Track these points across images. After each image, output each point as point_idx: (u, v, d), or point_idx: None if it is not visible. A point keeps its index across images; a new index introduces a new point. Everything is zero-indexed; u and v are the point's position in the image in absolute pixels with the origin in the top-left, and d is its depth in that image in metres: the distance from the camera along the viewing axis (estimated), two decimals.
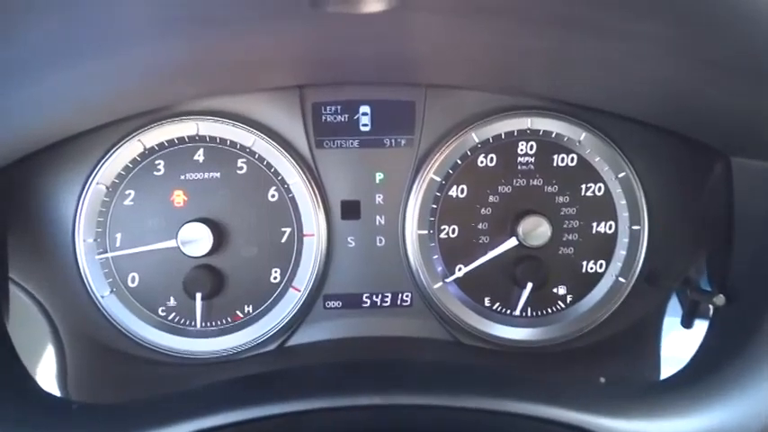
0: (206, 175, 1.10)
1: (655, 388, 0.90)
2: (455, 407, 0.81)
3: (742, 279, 0.97)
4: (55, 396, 0.90)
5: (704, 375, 0.87)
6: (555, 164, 1.13)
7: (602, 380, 0.98)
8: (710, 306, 0.96)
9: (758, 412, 0.80)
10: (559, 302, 1.15)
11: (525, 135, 1.12)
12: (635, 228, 1.13)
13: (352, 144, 1.13)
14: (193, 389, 0.88)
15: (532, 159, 1.12)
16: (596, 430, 0.79)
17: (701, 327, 1.03)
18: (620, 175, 1.12)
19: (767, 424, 0.78)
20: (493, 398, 0.81)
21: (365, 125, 1.13)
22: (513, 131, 1.11)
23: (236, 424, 0.78)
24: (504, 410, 0.80)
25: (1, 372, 0.88)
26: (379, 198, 1.14)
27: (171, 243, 1.06)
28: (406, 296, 1.16)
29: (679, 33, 0.71)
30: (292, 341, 1.15)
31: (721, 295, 0.92)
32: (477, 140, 1.11)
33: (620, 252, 1.13)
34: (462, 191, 1.13)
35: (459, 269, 1.13)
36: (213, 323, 1.12)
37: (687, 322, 1.02)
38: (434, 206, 1.13)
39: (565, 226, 1.13)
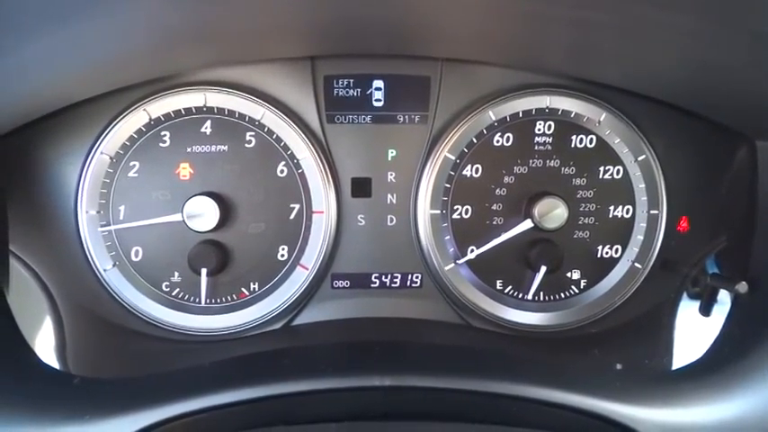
0: (213, 148, 1.07)
1: (674, 375, 0.87)
2: (465, 390, 0.79)
3: (764, 266, 0.95)
4: (55, 369, 0.88)
5: (725, 364, 0.85)
6: (573, 145, 1.09)
7: (619, 366, 0.95)
8: (730, 294, 0.93)
9: None
10: (573, 287, 1.13)
11: (543, 114, 1.08)
12: (653, 212, 1.10)
13: (364, 119, 1.10)
14: (196, 366, 0.86)
15: (550, 140, 1.09)
16: (612, 416, 0.77)
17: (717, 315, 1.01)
18: (640, 158, 1.09)
19: None
20: (506, 382, 0.79)
21: (378, 100, 1.09)
22: (532, 110, 1.08)
23: (239, 403, 0.76)
24: (517, 395, 0.78)
25: (1, 343, 0.86)
26: (390, 176, 1.11)
27: (176, 217, 1.04)
28: (416, 277, 1.13)
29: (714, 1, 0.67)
30: (299, 320, 1.12)
31: (744, 282, 0.90)
32: (493, 118, 1.08)
33: (637, 237, 1.11)
34: (477, 170, 1.10)
35: (472, 251, 1.11)
36: (218, 300, 1.10)
37: (705, 310, 1.00)
38: (448, 185, 1.10)
39: (581, 209, 1.10)
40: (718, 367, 0.84)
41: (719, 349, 0.88)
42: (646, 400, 0.77)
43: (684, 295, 1.14)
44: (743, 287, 0.89)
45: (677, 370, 0.88)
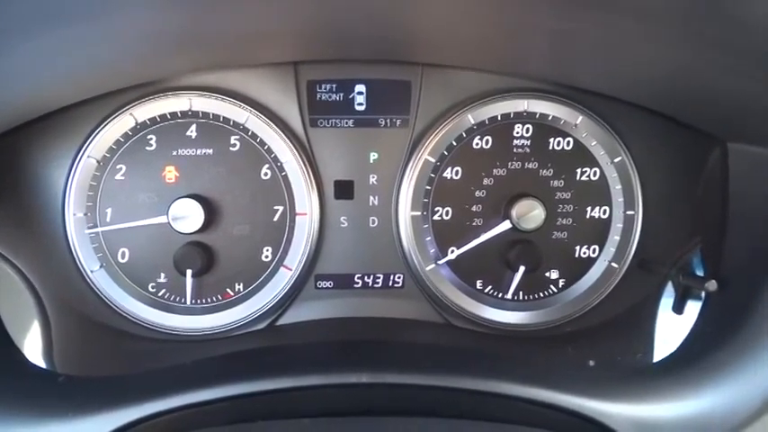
0: (198, 152, 1.09)
1: (645, 371, 0.90)
2: (444, 387, 0.81)
3: (735, 265, 0.97)
4: (41, 368, 0.90)
5: (695, 360, 0.87)
6: (551, 147, 1.12)
7: (591, 363, 0.98)
8: (703, 292, 0.96)
9: (748, 396, 0.80)
10: (552, 287, 1.16)
11: (522, 117, 1.11)
12: (629, 213, 1.13)
13: (346, 123, 1.12)
14: (181, 364, 0.88)
15: (528, 142, 1.12)
16: (585, 412, 0.79)
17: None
18: (616, 160, 1.12)
19: (755, 407, 0.79)
20: (483, 379, 0.81)
21: (360, 104, 1.12)
22: (510, 113, 1.11)
23: (222, 400, 0.78)
24: (495, 392, 0.80)
25: None
26: (372, 178, 1.14)
27: (162, 219, 1.06)
28: (398, 278, 1.16)
29: (687, 13, 0.70)
30: (283, 320, 1.15)
31: (713, 281, 0.92)
32: (473, 122, 1.11)
33: (614, 237, 1.14)
34: (457, 173, 1.13)
35: (452, 251, 1.13)
36: (203, 300, 1.12)
37: (678, 308, 1.02)
38: (428, 187, 1.12)
39: (559, 210, 1.13)
40: (687, 364, 0.86)
41: (690, 346, 0.91)
42: (616, 396, 0.80)
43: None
44: (712, 285, 0.92)
45: (650, 366, 0.91)
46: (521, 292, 1.15)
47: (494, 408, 0.80)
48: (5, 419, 0.74)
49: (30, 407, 0.77)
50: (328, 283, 1.15)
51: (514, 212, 1.08)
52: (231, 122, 1.09)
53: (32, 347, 1.04)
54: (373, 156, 1.13)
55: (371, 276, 1.15)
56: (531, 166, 1.12)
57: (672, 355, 0.91)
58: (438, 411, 0.79)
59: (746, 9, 0.64)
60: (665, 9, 0.70)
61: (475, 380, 0.81)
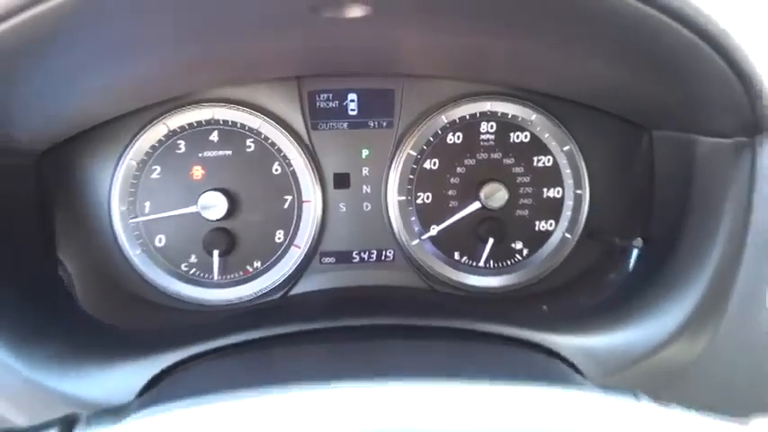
0: (220, 153, 1.29)
1: (586, 312, 1.11)
2: (422, 325, 1.01)
3: (658, 228, 1.19)
4: (102, 321, 1.10)
5: (622, 302, 1.08)
6: (511, 140, 1.33)
7: (545, 308, 1.19)
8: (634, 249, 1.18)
9: (659, 331, 1.00)
10: (517, 255, 1.36)
11: (486, 116, 1.32)
12: (578, 192, 1.33)
13: (342, 126, 1.33)
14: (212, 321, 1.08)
15: (492, 137, 1.33)
16: (541, 343, 1.00)
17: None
18: (565, 149, 1.33)
19: (663, 339, 0.99)
20: (454, 318, 1.02)
21: (353, 110, 1.32)
22: (476, 113, 1.32)
23: (247, 343, 0.96)
24: (464, 328, 1.01)
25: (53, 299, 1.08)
26: (365, 171, 1.34)
27: (192, 209, 1.25)
28: (389, 252, 1.36)
29: (601, 41, 0.93)
30: (294, 291, 1.34)
31: (639, 239, 1.15)
32: (446, 121, 1.32)
33: (567, 213, 1.34)
34: (435, 163, 1.34)
35: (433, 228, 1.33)
36: (228, 276, 1.31)
37: (618, 266, 1.24)
38: (411, 177, 1.33)
39: (520, 191, 1.33)
40: (617, 305, 1.07)
41: (619, 292, 1.13)
42: (563, 331, 1.01)
43: None
44: (638, 242, 1.14)
45: (590, 307, 1.13)
46: (491, 261, 1.35)
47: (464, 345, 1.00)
48: (59, 363, 0.91)
49: (83, 353, 0.94)
50: (331, 259, 1.35)
51: (483, 194, 1.29)
52: (247, 128, 1.29)
53: None
54: (365, 152, 1.34)
55: (367, 252, 1.36)
56: (495, 156, 1.33)
57: (607, 298, 1.14)
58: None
59: (636, 39, 0.86)
60: (583, 37, 0.93)
61: (448, 320, 1.01)
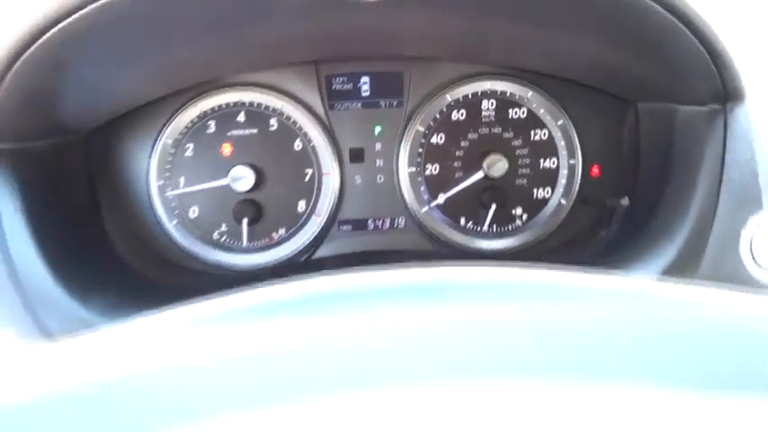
0: (247, 132, 1.41)
1: (579, 265, 1.24)
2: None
3: (643, 191, 1.33)
4: (149, 278, 1.23)
5: (610, 255, 1.22)
6: (510, 116, 1.45)
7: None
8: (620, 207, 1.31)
9: (647, 274, 1.15)
10: (517, 220, 1.48)
11: (487, 95, 1.45)
12: (572, 162, 1.46)
13: (356, 106, 1.45)
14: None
15: (493, 113, 1.45)
16: None
17: None
18: (560, 123, 1.45)
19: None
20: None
21: (366, 91, 1.45)
22: (478, 92, 1.44)
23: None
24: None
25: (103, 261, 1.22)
26: (378, 146, 1.46)
27: (223, 181, 1.38)
28: (401, 219, 1.48)
29: (589, 24, 1.07)
30: (315, 256, 1.47)
31: (626, 197, 1.28)
32: (450, 100, 1.44)
33: (562, 181, 1.46)
34: (441, 138, 1.46)
35: (441, 197, 1.45)
36: (255, 243, 1.43)
37: (609, 223, 1.37)
38: (420, 150, 1.45)
39: (519, 162, 1.46)
40: (605, 258, 1.22)
41: (608, 246, 1.26)
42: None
43: None
44: (625, 201, 1.27)
45: (583, 261, 1.26)
46: (494, 225, 1.46)
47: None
48: (120, 311, 1.06)
49: (136, 303, 1.07)
50: (348, 227, 1.48)
51: (485, 165, 1.41)
52: (270, 109, 1.41)
53: None
54: (378, 129, 1.46)
55: (380, 220, 1.48)
56: (496, 130, 1.45)
57: (599, 252, 1.27)
58: None
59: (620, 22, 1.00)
60: (574, 22, 1.07)
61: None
